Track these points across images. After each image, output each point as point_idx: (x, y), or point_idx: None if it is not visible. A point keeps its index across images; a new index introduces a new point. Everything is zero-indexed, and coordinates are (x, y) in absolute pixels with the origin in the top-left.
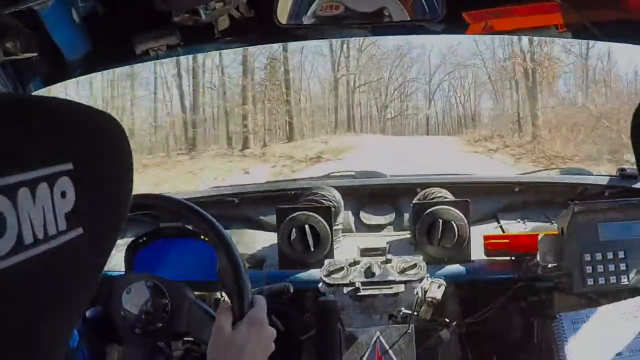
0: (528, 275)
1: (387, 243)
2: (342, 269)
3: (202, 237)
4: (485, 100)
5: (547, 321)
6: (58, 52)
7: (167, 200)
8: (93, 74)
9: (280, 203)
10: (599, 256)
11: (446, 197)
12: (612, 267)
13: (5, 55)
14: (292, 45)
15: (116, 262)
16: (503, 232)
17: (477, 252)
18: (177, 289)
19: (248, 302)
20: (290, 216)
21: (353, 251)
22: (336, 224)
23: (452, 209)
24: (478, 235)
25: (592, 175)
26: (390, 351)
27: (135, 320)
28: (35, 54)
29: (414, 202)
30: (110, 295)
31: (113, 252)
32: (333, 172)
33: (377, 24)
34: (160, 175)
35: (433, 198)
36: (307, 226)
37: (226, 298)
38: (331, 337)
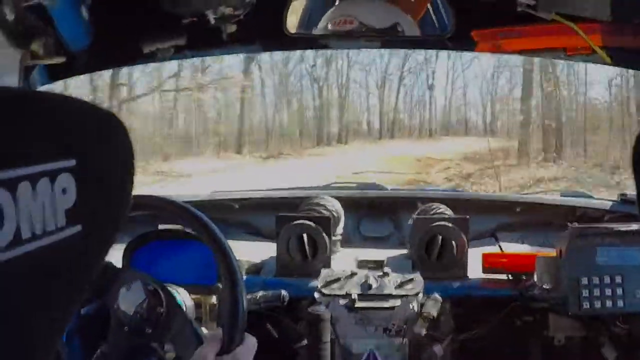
0: (524, 295)
1: (385, 256)
2: (338, 279)
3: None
4: None
5: (541, 341)
6: (64, 48)
7: (168, 203)
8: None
9: (280, 211)
10: (596, 280)
11: (446, 213)
12: (608, 292)
13: (32, 58)
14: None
15: (114, 261)
16: (501, 250)
17: (475, 269)
18: (176, 303)
19: (239, 339)
20: (289, 224)
21: (351, 262)
22: (335, 234)
23: (452, 225)
24: (476, 252)
25: (593, 198)
26: None
27: (126, 317)
28: (64, 59)
29: (413, 217)
30: (109, 285)
31: (111, 251)
32: (334, 182)
33: (388, 39)
34: None
35: (433, 213)
36: (305, 235)
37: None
38: (320, 348)
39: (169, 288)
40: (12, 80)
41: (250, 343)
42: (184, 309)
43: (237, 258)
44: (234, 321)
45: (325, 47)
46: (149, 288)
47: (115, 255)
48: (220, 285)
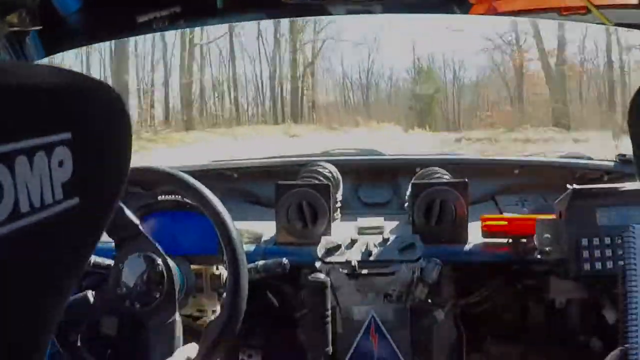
0: (524, 258)
1: (385, 222)
2: (339, 247)
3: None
4: None
5: (542, 304)
6: (60, 21)
7: (167, 174)
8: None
9: (279, 178)
10: (596, 241)
11: (444, 177)
12: (609, 253)
13: (10, 27)
14: None
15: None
16: (501, 214)
17: (474, 234)
18: (174, 298)
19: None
20: (288, 192)
21: (351, 229)
22: (334, 201)
23: (451, 189)
24: (475, 216)
25: (592, 159)
26: (384, 330)
27: (125, 284)
28: (40, 27)
29: (412, 181)
30: (126, 243)
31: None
32: (332, 149)
33: (380, 3)
34: None
35: (432, 177)
36: (305, 202)
37: (192, 346)
38: (320, 316)
39: (174, 276)
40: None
41: None
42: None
43: (237, 227)
44: (210, 352)
45: (322, 13)
46: (157, 268)
47: None
48: (220, 256)
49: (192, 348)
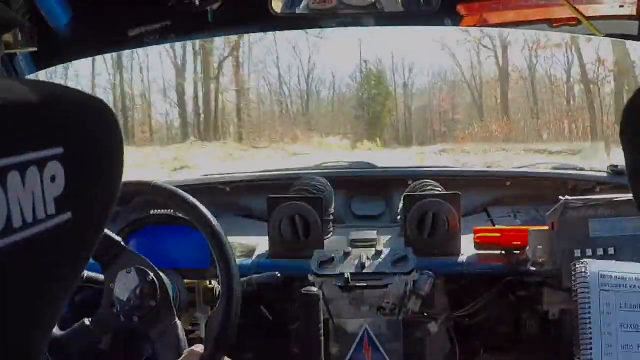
0: (518, 270)
1: (378, 235)
2: (332, 260)
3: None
4: None
5: (536, 316)
6: (51, 35)
7: (159, 188)
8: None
9: (271, 192)
10: (589, 252)
11: (437, 190)
12: None
13: (6, 48)
14: None
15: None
16: (494, 225)
17: (467, 246)
18: (169, 301)
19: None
20: (281, 205)
21: (343, 242)
22: (327, 214)
23: (443, 201)
24: (468, 228)
25: (584, 170)
26: (377, 342)
27: (119, 300)
28: (36, 49)
29: (404, 194)
30: (111, 262)
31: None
32: (325, 162)
33: (370, 16)
34: None
35: (424, 190)
36: (297, 216)
37: (198, 346)
38: (313, 329)
39: (165, 281)
40: None
41: None
42: (177, 303)
43: (230, 241)
44: (219, 344)
45: (310, 26)
46: (148, 279)
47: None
48: (213, 269)
49: (199, 347)
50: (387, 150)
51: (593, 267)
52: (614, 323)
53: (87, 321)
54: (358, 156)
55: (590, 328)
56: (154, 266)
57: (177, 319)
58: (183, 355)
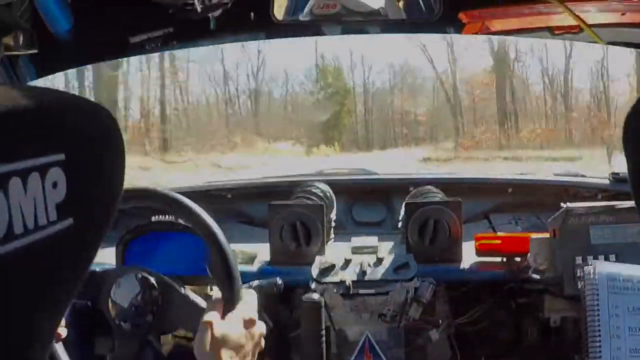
0: (519, 277)
1: (379, 241)
2: (333, 266)
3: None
4: None
5: (537, 323)
6: (52, 42)
7: (159, 194)
8: None
9: (272, 199)
10: (590, 259)
11: (438, 196)
12: None
13: (6, 50)
14: None
15: (108, 255)
16: (495, 232)
17: (468, 252)
18: (168, 282)
19: (239, 295)
20: (282, 212)
21: (344, 249)
22: (328, 220)
23: (444, 208)
24: (469, 235)
25: (585, 177)
26: (379, 350)
27: (124, 313)
28: (36, 51)
29: (406, 200)
30: (99, 289)
31: (105, 245)
32: (325, 169)
33: (373, 22)
34: None
35: (425, 197)
36: (298, 223)
37: (216, 291)
38: (314, 336)
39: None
40: None
41: (252, 297)
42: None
43: (231, 247)
44: (230, 278)
45: (316, 33)
46: (139, 277)
47: (109, 249)
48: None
49: (216, 293)
50: (345, 155)
51: (601, 269)
52: (622, 326)
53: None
54: (312, 162)
55: (600, 331)
56: (137, 266)
57: (182, 290)
58: (206, 307)
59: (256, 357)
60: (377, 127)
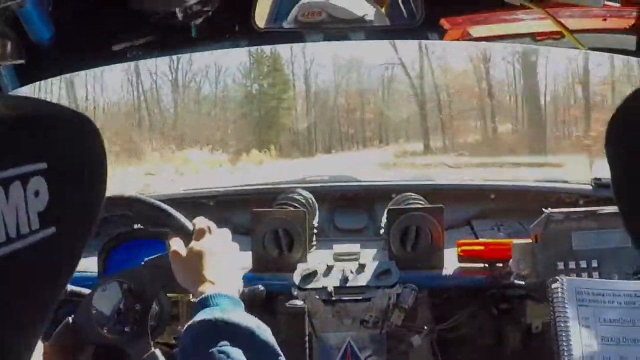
0: (501, 283)
1: (361, 248)
2: (315, 273)
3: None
4: None
5: (519, 329)
6: (34, 51)
7: (142, 202)
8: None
9: (254, 206)
10: (572, 264)
11: (420, 203)
12: (585, 276)
13: None
14: None
15: (90, 263)
16: (477, 238)
17: (451, 259)
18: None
19: (189, 226)
20: (264, 219)
21: (327, 255)
22: (310, 227)
23: (426, 215)
24: (451, 241)
25: (568, 183)
26: (361, 356)
27: (105, 319)
28: (23, 61)
29: (388, 207)
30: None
31: (87, 253)
32: (308, 176)
33: (356, 29)
34: None
35: (407, 203)
36: (280, 230)
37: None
38: (297, 342)
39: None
40: None
41: (223, 232)
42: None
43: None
44: (173, 219)
45: (294, 41)
46: (124, 287)
47: (91, 257)
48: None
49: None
50: (284, 161)
51: (569, 284)
52: (594, 336)
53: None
54: (238, 171)
55: (571, 342)
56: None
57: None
58: (169, 248)
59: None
60: (322, 126)
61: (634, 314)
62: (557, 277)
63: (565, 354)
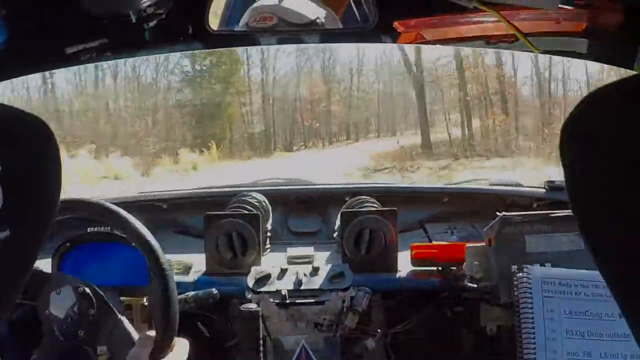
0: (454, 286)
1: (315, 251)
2: (269, 276)
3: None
4: None
5: (473, 332)
6: None
7: (96, 205)
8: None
9: (208, 209)
10: (525, 267)
11: (374, 206)
12: None
13: None
14: None
15: (43, 266)
16: (430, 241)
17: (404, 262)
18: (106, 302)
19: (171, 342)
20: (217, 222)
21: (280, 259)
22: (264, 231)
23: (380, 217)
24: (405, 244)
25: (521, 186)
26: (315, 359)
27: (58, 321)
28: None
29: (341, 210)
30: (40, 291)
31: (41, 256)
32: (261, 179)
33: (309, 33)
34: None
35: (361, 206)
36: (234, 233)
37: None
38: (252, 346)
39: (98, 289)
40: None
41: (183, 347)
42: (115, 309)
43: (167, 257)
44: (166, 325)
45: (252, 43)
46: (80, 291)
47: (45, 259)
48: (150, 287)
49: (151, 332)
50: (225, 164)
51: (535, 272)
52: (558, 329)
53: (34, 354)
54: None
55: (534, 336)
56: (81, 279)
57: (119, 316)
58: (137, 344)
59: None
60: (280, 121)
61: (600, 307)
62: (524, 266)
63: (528, 348)
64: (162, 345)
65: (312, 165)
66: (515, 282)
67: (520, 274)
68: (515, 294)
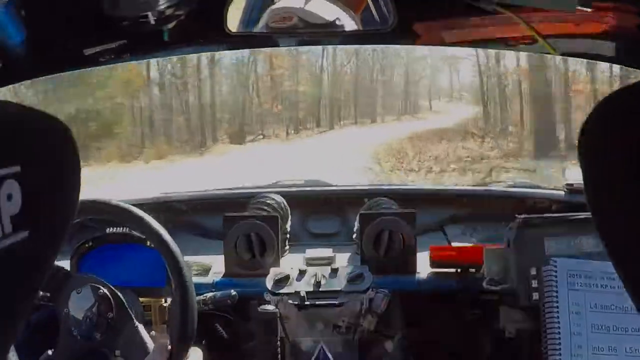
0: (473, 288)
1: (334, 253)
2: (287, 278)
3: (149, 243)
4: None
5: (492, 334)
6: (4, 54)
7: (115, 207)
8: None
9: (227, 210)
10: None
11: (392, 208)
12: None
13: None
14: None
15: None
16: (449, 244)
17: (423, 264)
18: (125, 309)
19: (186, 352)
20: (236, 224)
21: (299, 260)
22: (283, 232)
23: (399, 219)
24: (424, 246)
25: (541, 189)
26: None
27: (76, 321)
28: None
29: (360, 212)
30: (61, 288)
31: (59, 256)
32: (281, 180)
33: (328, 34)
34: None
35: (380, 208)
36: (252, 234)
37: (164, 337)
38: (269, 347)
39: (118, 293)
40: None
41: (197, 356)
42: (133, 314)
43: (186, 259)
44: (185, 334)
45: (266, 45)
46: (100, 293)
47: (63, 260)
48: (169, 288)
49: (165, 340)
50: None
51: (561, 264)
52: (584, 324)
53: (49, 352)
54: None
55: (560, 328)
56: (103, 281)
57: (136, 323)
58: (151, 352)
59: None
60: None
61: (626, 301)
62: (551, 259)
63: (553, 342)
64: (177, 356)
65: (276, 163)
66: (542, 273)
67: (546, 267)
68: (540, 286)
